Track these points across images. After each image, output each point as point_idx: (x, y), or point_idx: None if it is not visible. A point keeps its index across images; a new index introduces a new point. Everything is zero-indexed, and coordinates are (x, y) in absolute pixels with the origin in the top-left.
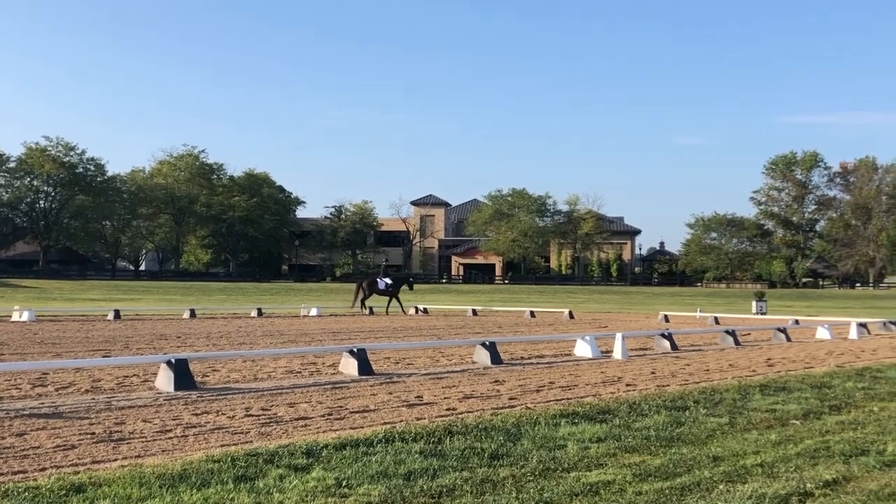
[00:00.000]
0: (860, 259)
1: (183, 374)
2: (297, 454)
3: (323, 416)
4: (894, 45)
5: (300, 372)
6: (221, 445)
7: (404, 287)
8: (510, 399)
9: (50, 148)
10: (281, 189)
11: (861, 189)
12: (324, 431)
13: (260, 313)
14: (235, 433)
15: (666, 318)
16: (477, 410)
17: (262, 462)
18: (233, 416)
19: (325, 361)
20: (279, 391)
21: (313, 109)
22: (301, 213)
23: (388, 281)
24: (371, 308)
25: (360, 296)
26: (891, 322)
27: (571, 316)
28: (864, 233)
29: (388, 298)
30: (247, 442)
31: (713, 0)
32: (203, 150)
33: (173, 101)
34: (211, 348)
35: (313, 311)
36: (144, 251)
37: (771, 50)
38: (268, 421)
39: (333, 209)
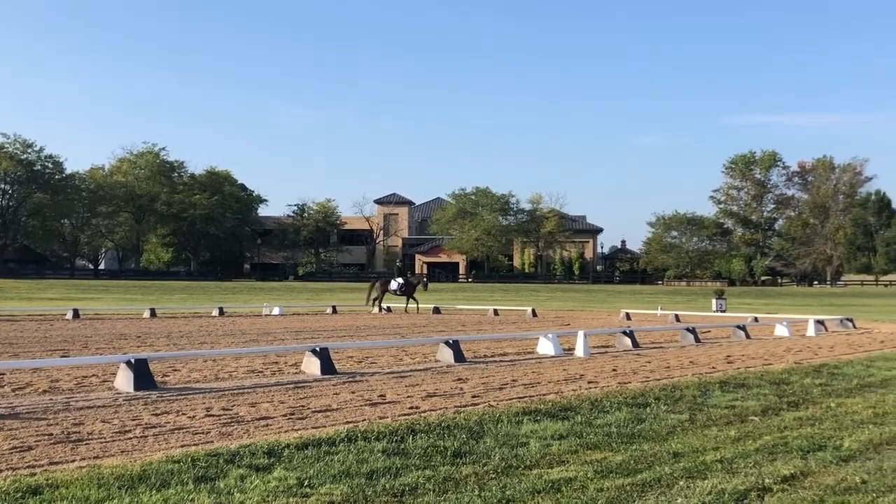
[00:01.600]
0: (818, 257)
1: (143, 374)
2: (259, 454)
3: (285, 415)
4: (851, 48)
5: (262, 371)
6: (182, 446)
7: (419, 287)
8: (473, 397)
9: (7, 145)
10: (243, 187)
11: (819, 188)
12: (286, 431)
13: (221, 312)
14: (196, 433)
15: (627, 316)
16: (440, 409)
17: (222, 462)
18: (193, 417)
19: (287, 361)
20: (241, 391)
21: (274, 107)
22: (263, 211)
23: (400, 281)
24: (388, 307)
25: (374, 295)
26: (847, 319)
27: (534, 314)
28: (822, 231)
29: (405, 298)
30: (207, 442)
31: (672, 0)
32: (164, 148)
33: (133, 98)
34: (171, 348)
35: (276, 310)
36: (104, 250)
37: (729, 50)
38: (229, 421)
39: (296, 208)
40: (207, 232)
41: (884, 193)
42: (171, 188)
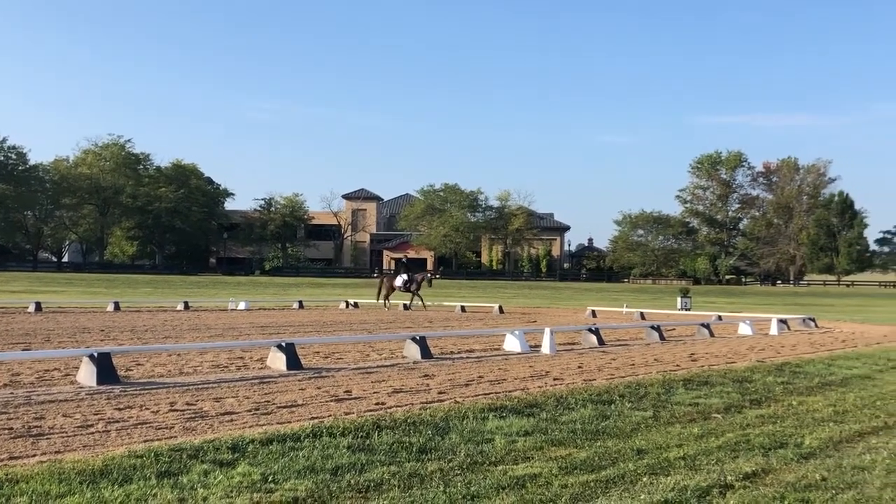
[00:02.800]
0: (781, 257)
1: (106, 368)
2: (223, 449)
3: (250, 410)
4: (817, 51)
5: (227, 366)
6: (145, 441)
7: (424, 283)
8: (439, 393)
9: None
10: (209, 181)
11: (783, 189)
12: (250, 426)
13: (187, 307)
14: (159, 428)
15: (593, 314)
16: (406, 405)
17: (186, 457)
18: (157, 411)
19: (252, 356)
20: (205, 386)
21: (242, 101)
22: (230, 205)
23: (405, 277)
24: (405, 304)
25: (384, 292)
26: (809, 318)
27: (501, 311)
28: (786, 231)
29: (409, 294)
30: (171, 437)
31: (637, 1)
32: (129, 140)
33: (98, 89)
34: (135, 342)
35: (242, 305)
36: (68, 242)
37: (697, 51)
38: (193, 416)
39: (263, 202)
40: (173, 225)
41: (847, 195)
42: (137, 181)
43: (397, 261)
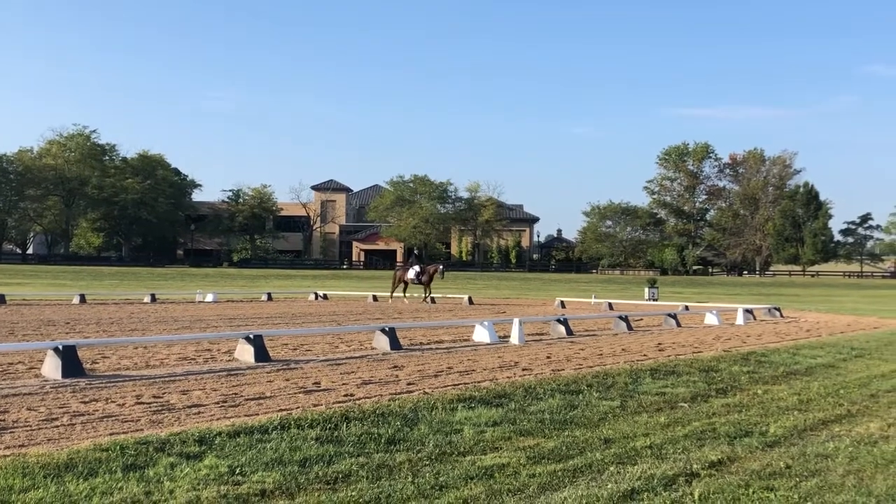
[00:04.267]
0: (747, 248)
1: (71, 361)
2: (190, 442)
3: (217, 403)
4: (782, 43)
5: (194, 359)
6: (110, 434)
7: (436, 276)
8: (408, 384)
9: None
10: (176, 172)
11: (749, 180)
12: (218, 419)
13: (154, 299)
14: (125, 421)
15: (562, 304)
16: (375, 396)
17: (152, 450)
18: (123, 404)
19: (220, 348)
20: (172, 378)
21: (208, 91)
22: (198, 196)
23: (417, 269)
24: (432, 298)
25: (397, 285)
26: (775, 308)
27: (471, 302)
28: (752, 222)
29: (423, 287)
30: (137, 430)
31: None
32: (95, 131)
33: (63, 78)
34: (101, 335)
35: (209, 297)
36: (32, 234)
37: (664, 43)
38: (159, 408)
39: (231, 193)
40: (139, 217)
41: (812, 186)
42: (103, 172)
43: (409, 251)
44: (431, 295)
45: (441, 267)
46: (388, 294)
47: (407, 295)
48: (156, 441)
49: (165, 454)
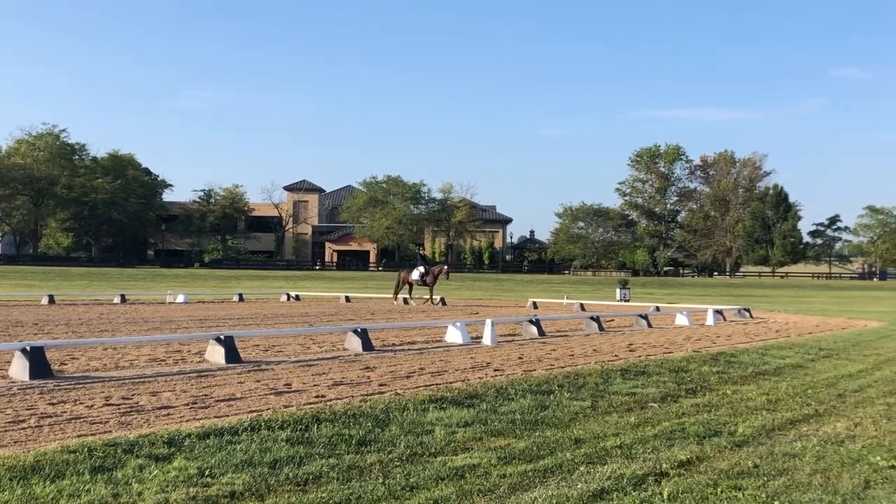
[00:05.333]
0: (718, 249)
1: (39, 363)
2: (159, 444)
3: (187, 404)
4: (752, 46)
5: (164, 360)
6: (78, 436)
7: (441, 277)
8: (380, 385)
9: None
10: (147, 171)
11: (720, 182)
12: (187, 420)
13: (123, 300)
14: (94, 423)
15: (535, 305)
16: (346, 397)
17: (120, 452)
18: (91, 406)
19: (190, 349)
20: (141, 380)
21: (179, 90)
22: (168, 196)
23: (422, 270)
24: (442, 298)
25: (401, 287)
26: (745, 309)
27: (444, 303)
28: (722, 224)
29: (428, 288)
30: (105, 432)
31: None
32: (64, 130)
33: (32, 77)
34: (70, 336)
35: (180, 298)
36: (0, 234)
37: (632, 45)
38: (128, 410)
39: (202, 193)
40: (110, 217)
41: (781, 188)
42: (72, 171)
43: (416, 251)
44: (433, 296)
45: (446, 267)
46: (392, 295)
47: (414, 297)
48: (124, 443)
49: (134, 456)
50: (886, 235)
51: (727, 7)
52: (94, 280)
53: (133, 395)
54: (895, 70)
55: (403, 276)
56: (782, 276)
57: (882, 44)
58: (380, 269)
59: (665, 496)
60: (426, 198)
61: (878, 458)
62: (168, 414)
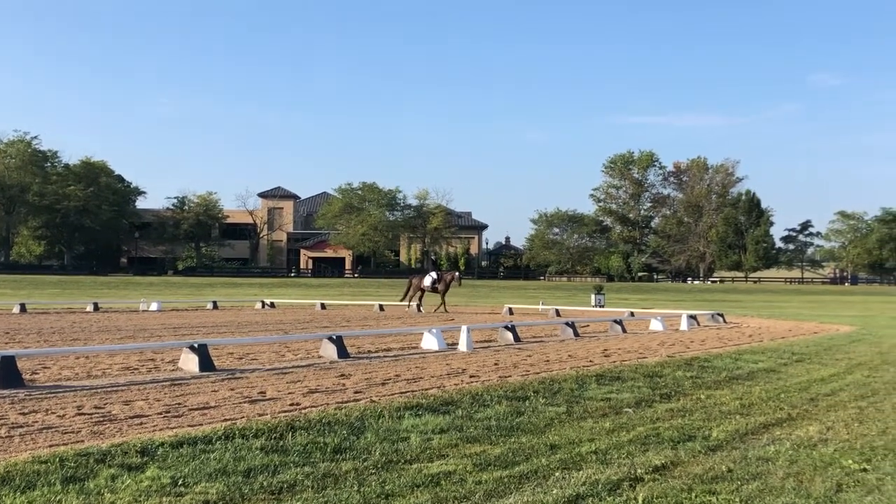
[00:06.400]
0: (692, 254)
1: (10, 372)
2: (132, 453)
3: (160, 413)
4: (726, 53)
5: (137, 368)
6: (50, 446)
7: (453, 284)
8: (356, 393)
9: None
10: (120, 179)
11: (693, 188)
12: (160, 429)
13: (96, 308)
14: (66, 433)
15: (510, 311)
16: (321, 405)
17: (93, 462)
18: (63, 415)
19: (164, 358)
20: (114, 388)
21: (152, 96)
22: (142, 203)
23: (434, 276)
24: (418, 305)
25: (411, 293)
26: (718, 314)
27: (419, 309)
28: (696, 229)
29: (439, 295)
30: (78, 441)
31: (554, 3)
32: (36, 137)
33: (3, 84)
34: (42, 344)
35: (153, 306)
36: None
37: (606, 52)
38: (101, 419)
39: (176, 200)
40: (82, 224)
41: (753, 193)
42: (44, 179)
43: (429, 258)
44: (445, 304)
45: (457, 274)
46: (401, 301)
47: (419, 307)
48: (97, 452)
49: (106, 466)
50: (857, 240)
51: (701, 14)
52: (66, 288)
53: (106, 404)
54: (867, 76)
55: (415, 283)
56: (755, 282)
57: (855, 50)
58: (355, 275)
59: (640, 501)
60: (402, 204)
61: (850, 461)
62: (141, 423)
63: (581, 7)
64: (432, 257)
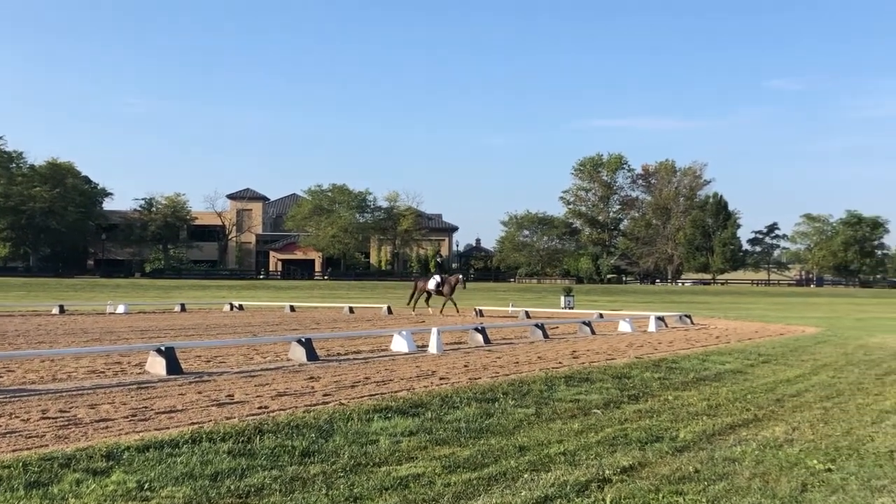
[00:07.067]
0: (660, 256)
1: None
2: (97, 457)
3: (126, 417)
4: (693, 57)
5: (104, 372)
6: (13, 450)
7: (458, 286)
8: (324, 395)
9: None
10: (87, 180)
11: (661, 190)
12: (126, 433)
13: (62, 310)
14: (29, 437)
15: (480, 313)
16: (289, 408)
17: (57, 466)
18: (27, 419)
19: (131, 361)
20: (80, 392)
21: (119, 97)
22: (109, 205)
23: (438, 279)
24: (388, 307)
25: (416, 296)
26: (686, 316)
27: (390, 311)
28: (664, 232)
29: (444, 297)
30: (42, 446)
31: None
32: (1, 137)
33: None
34: (6, 347)
35: (120, 308)
36: None
37: (575, 56)
38: (66, 423)
39: (143, 202)
40: (48, 226)
41: (721, 196)
42: (9, 180)
43: (434, 259)
44: (456, 306)
45: (461, 276)
46: (408, 304)
47: (427, 307)
48: (61, 457)
49: (71, 470)
50: (823, 243)
51: (665, 19)
52: (32, 290)
53: (71, 408)
54: (826, 81)
55: (420, 286)
56: (722, 283)
57: (814, 55)
58: (325, 277)
59: (608, 502)
60: (372, 206)
61: (815, 461)
62: (107, 427)
63: (546, 14)
64: (439, 259)
